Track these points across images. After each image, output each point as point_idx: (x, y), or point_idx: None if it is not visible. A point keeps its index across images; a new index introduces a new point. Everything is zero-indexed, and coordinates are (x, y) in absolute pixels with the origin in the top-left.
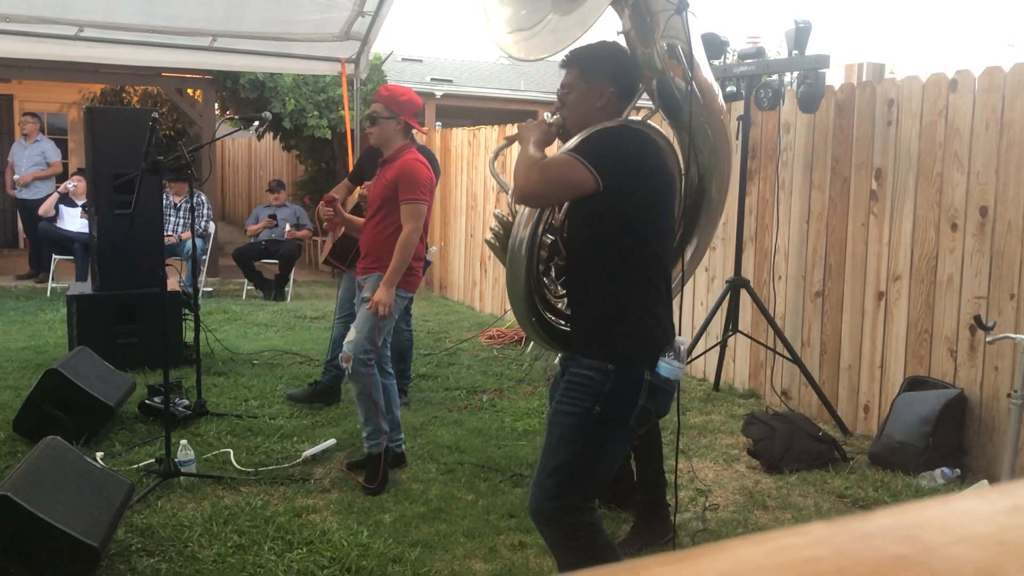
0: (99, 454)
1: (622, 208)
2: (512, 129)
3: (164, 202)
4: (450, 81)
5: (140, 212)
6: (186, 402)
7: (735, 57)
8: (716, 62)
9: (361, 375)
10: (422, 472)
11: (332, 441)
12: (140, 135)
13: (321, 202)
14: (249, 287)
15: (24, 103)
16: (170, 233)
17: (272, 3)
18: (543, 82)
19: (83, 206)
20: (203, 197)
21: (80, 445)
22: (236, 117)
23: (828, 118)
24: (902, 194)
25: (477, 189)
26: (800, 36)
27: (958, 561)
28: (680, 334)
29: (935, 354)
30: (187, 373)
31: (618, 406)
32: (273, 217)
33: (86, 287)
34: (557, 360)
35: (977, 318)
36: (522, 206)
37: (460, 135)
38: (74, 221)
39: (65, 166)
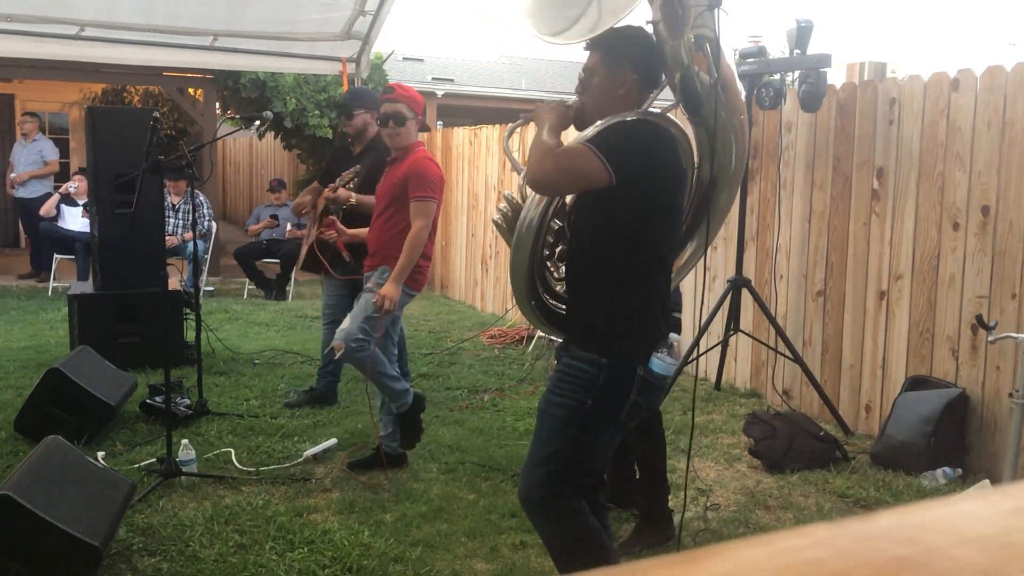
0: (100, 453)
1: (631, 205)
2: None
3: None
4: (451, 80)
5: (141, 212)
6: (187, 401)
7: (737, 56)
8: None
9: (358, 360)
10: (423, 472)
11: (333, 441)
12: (141, 135)
13: (323, 228)
14: (250, 286)
15: (25, 103)
16: (171, 233)
17: (273, 3)
18: (544, 81)
19: (84, 205)
20: (203, 197)
21: (81, 444)
22: (237, 116)
23: (830, 117)
24: (904, 193)
25: (478, 188)
26: (802, 35)
27: (960, 563)
28: (680, 334)
29: (937, 354)
30: (188, 372)
31: (610, 400)
32: (274, 217)
33: (87, 286)
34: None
35: (979, 317)
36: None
37: (461, 134)
38: (75, 220)
39: (67, 166)
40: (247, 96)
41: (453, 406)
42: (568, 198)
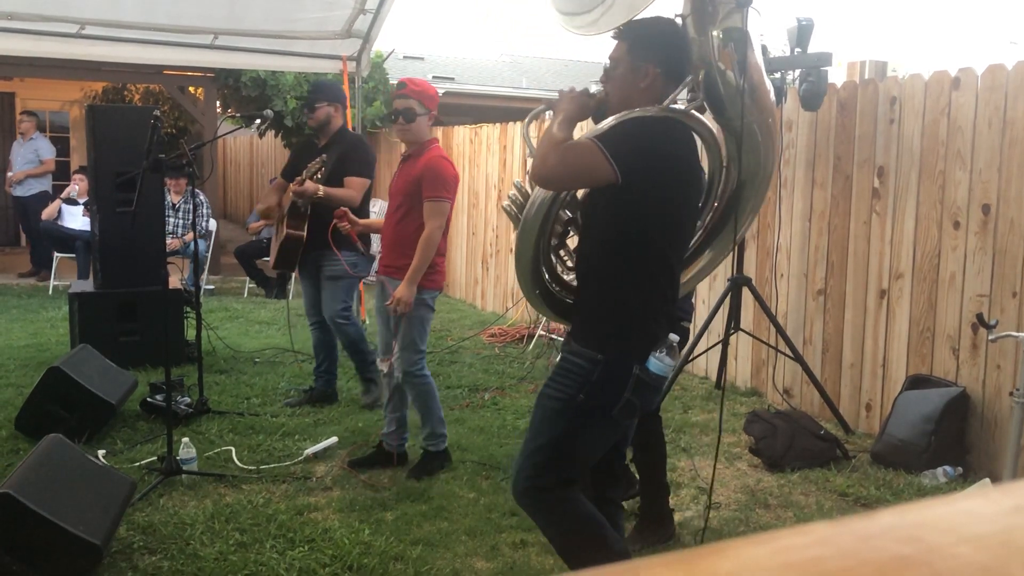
0: (101, 452)
1: (639, 206)
2: (514, 128)
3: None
4: (452, 79)
5: (142, 210)
6: (188, 400)
7: None
8: None
9: (414, 385)
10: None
11: (334, 439)
12: (142, 133)
13: (334, 220)
14: (251, 285)
15: (26, 101)
16: (171, 232)
17: (274, 1)
18: (545, 80)
19: (85, 204)
20: (203, 197)
21: (82, 443)
22: (238, 115)
23: (830, 116)
24: (904, 192)
25: (479, 187)
26: (803, 34)
27: (961, 561)
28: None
29: (937, 352)
30: (189, 371)
31: (603, 396)
32: None
33: (88, 285)
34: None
35: (979, 316)
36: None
37: (462, 133)
38: (76, 219)
39: (67, 164)
40: (248, 94)
41: (453, 405)
42: (580, 191)
